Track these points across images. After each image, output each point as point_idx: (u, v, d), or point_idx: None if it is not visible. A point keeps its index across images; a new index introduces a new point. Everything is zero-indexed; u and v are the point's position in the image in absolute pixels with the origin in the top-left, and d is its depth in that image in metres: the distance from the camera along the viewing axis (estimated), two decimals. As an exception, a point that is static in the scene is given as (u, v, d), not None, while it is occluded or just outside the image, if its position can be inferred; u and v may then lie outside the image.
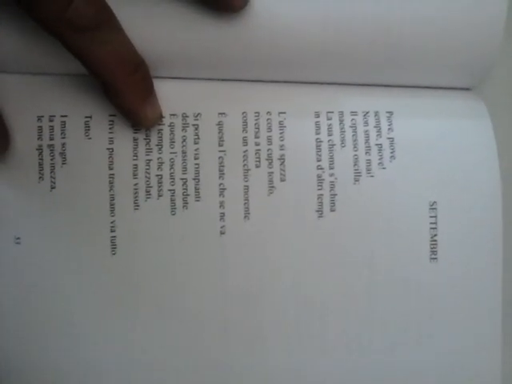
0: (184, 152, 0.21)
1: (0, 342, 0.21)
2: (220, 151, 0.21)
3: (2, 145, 0.21)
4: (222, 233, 0.21)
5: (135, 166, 0.21)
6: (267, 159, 0.21)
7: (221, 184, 0.21)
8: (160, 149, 0.21)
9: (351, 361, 0.22)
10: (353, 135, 0.21)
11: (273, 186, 0.21)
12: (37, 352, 0.21)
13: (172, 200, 0.21)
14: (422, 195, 0.21)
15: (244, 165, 0.21)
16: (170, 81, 0.21)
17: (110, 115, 0.21)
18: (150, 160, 0.21)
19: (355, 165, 0.21)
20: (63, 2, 0.18)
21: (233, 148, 0.21)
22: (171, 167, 0.21)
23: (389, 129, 0.21)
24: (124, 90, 0.19)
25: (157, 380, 0.22)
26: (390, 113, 0.22)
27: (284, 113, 0.21)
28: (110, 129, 0.21)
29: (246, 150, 0.21)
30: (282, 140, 0.21)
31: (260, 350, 0.21)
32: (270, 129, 0.21)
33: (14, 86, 0.21)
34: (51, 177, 0.21)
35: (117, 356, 0.21)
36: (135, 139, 0.21)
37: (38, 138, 0.21)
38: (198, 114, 0.21)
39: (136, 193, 0.21)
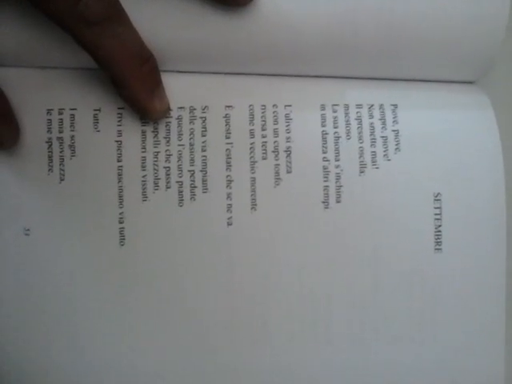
0: (191, 144, 0.21)
1: (2, 339, 0.21)
2: (227, 143, 0.21)
3: (12, 137, 0.21)
4: (229, 224, 0.21)
5: (143, 158, 0.21)
6: (274, 151, 0.21)
7: (228, 176, 0.21)
8: (168, 141, 0.21)
9: (355, 353, 0.22)
10: (358, 127, 0.22)
11: (279, 178, 0.21)
12: (38, 350, 0.21)
13: (180, 192, 0.21)
14: (427, 186, 0.21)
15: (251, 157, 0.21)
16: (178, 74, 0.22)
17: (119, 108, 0.21)
18: (158, 152, 0.21)
19: (360, 157, 0.21)
20: (74, -4, 0.18)
21: (240, 140, 0.21)
22: (179, 159, 0.21)
23: (393, 121, 0.22)
24: (132, 82, 0.20)
25: (160, 378, 0.22)
26: (395, 105, 0.22)
27: (290, 105, 0.22)
28: (118, 122, 0.21)
29: (253, 143, 0.21)
30: (288, 132, 0.21)
31: (263, 340, 0.22)
32: (276, 121, 0.21)
33: (24, 79, 0.21)
34: (60, 169, 0.21)
35: (119, 353, 0.22)
36: (143, 132, 0.21)
37: (48, 131, 0.21)
38: (206, 106, 0.21)
39: (144, 185, 0.21)
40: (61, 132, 0.21)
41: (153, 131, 0.21)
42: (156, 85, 0.21)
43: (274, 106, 0.22)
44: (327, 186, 0.21)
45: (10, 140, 0.21)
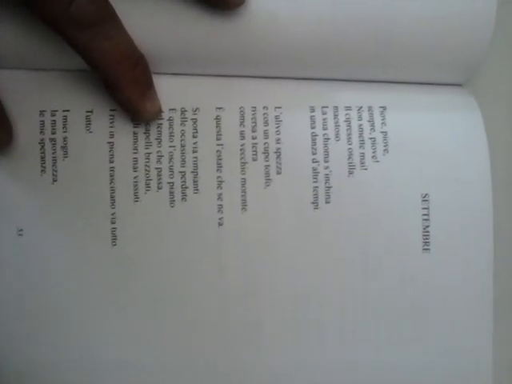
0: (183, 146, 0.21)
1: (0, 340, 0.22)
2: (218, 145, 0.22)
3: (5, 139, 0.21)
4: (219, 224, 0.22)
5: (135, 160, 0.21)
6: (264, 153, 0.22)
7: (219, 177, 0.22)
8: (159, 142, 0.21)
9: (345, 354, 0.22)
10: (347, 129, 0.22)
11: (269, 179, 0.22)
12: (30, 349, 0.22)
13: (171, 192, 0.21)
14: (415, 187, 0.22)
15: (241, 158, 0.22)
16: (169, 76, 0.22)
17: (111, 110, 0.21)
18: (149, 153, 0.21)
19: (349, 158, 0.22)
20: (66, -1, 0.18)
21: (230, 142, 0.22)
22: (170, 160, 0.21)
23: (382, 123, 0.22)
24: (124, 84, 0.20)
25: (152, 376, 0.22)
26: (384, 108, 0.22)
27: (280, 107, 0.22)
28: (110, 123, 0.21)
29: (243, 144, 0.22)
30: (278, 134, 0.22)
31: (255, 340, 0.22)
32: (266, 123, 0.22)
33: (17, 81, 0.21)
34: (53, 170, 0.21)
35: (110, 352, 0.22)
36: (135, 133, 0.21)
37: (41, 132, 0.21)
38: (197, 108, 0.22)
39: (136, 185, 0.21)
40: (53, 133, 0.21)
41: (144, 133, 0.21)
42: (148, 87, 0.21)
43: (264, 107, 0.22)
44: (316, 187, 0.22)
45: (3, 141, 0.21)
